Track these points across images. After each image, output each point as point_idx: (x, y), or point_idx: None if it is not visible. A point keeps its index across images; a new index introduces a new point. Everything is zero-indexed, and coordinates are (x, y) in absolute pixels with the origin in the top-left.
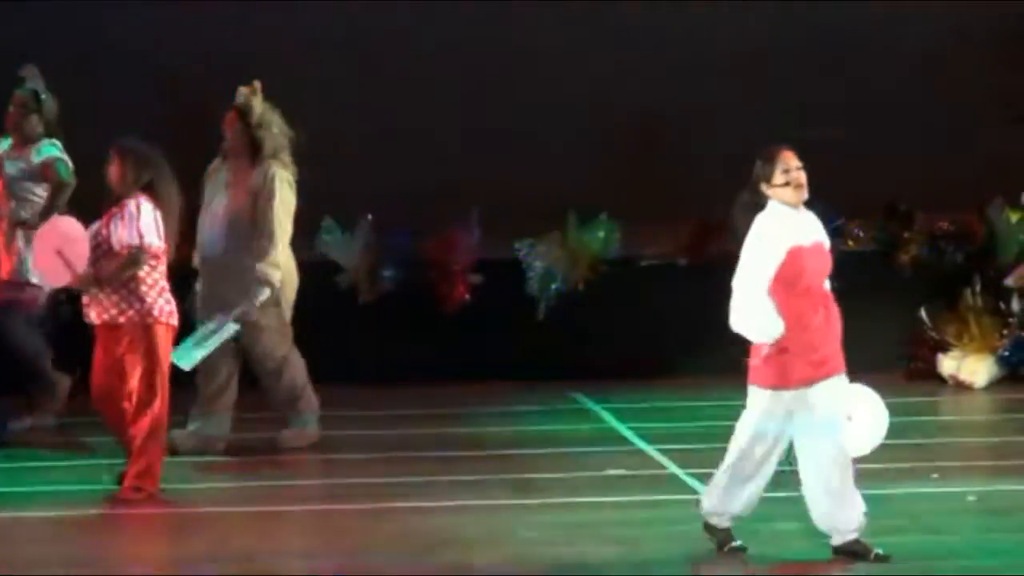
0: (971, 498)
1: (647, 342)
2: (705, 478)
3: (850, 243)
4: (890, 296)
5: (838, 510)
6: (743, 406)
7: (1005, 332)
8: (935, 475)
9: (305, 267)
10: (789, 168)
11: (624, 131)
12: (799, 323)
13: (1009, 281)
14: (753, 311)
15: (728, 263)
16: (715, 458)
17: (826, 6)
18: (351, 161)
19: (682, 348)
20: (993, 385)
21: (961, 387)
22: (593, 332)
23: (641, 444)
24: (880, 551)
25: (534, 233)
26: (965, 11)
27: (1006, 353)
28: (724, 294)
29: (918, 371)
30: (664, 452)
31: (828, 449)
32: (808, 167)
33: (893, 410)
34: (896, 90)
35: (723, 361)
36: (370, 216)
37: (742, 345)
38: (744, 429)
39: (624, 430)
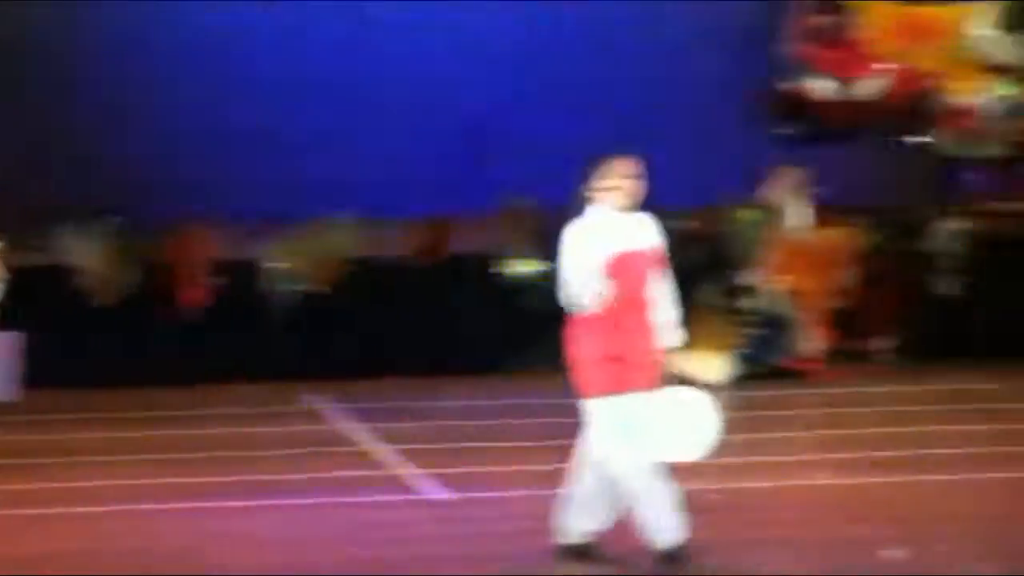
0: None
1: (385, 343)
2: (441, 478)
3: None
4: None
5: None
6: (480, 406)
7: (739, 330)
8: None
9: (40, 270)
10: (621, 175)
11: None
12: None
13: (745, 280)
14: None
15: (465, 263)
16: (449, 458)
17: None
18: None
19: (418, 348)
20: (730, 382)
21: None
22: (330, 333)
23: (375, 445)
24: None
25: (278, 233)
26: (705, 11)
27: (749, 350)
28: (459, 293)
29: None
30: (399, 453)
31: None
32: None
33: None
34: (636, 89)
35: (459, 361)
36: (116, 217)
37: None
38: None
39: (358, 431)
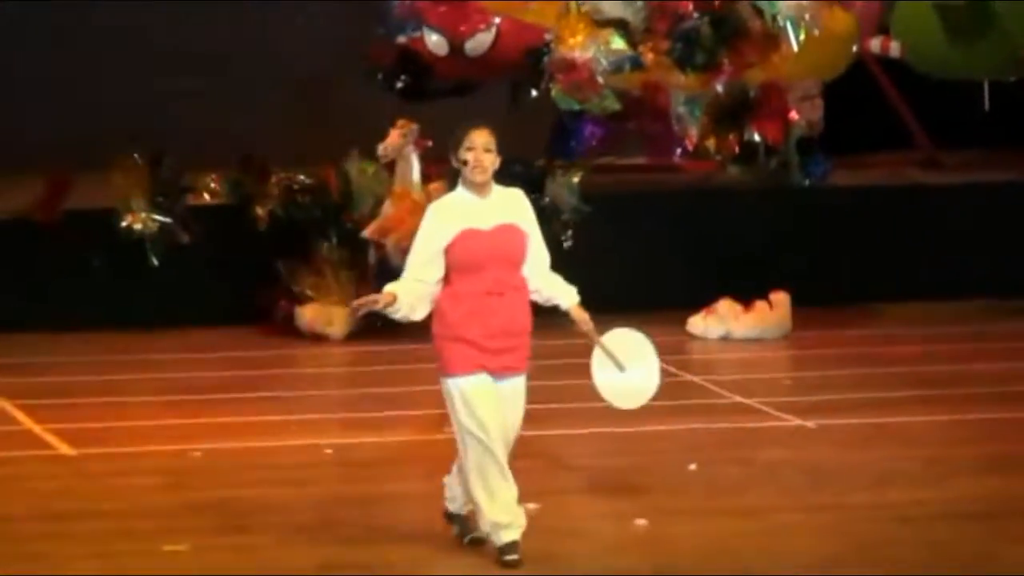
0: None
1: (2, 298)
2: (59, 433)
3: (205, 196)
4: (246, 250)
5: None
6: (97, 362)
7: (362, 284)
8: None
9: None
10: (474, 147)
11: None
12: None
13: (366, 233)
14: None
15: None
16: (69, 414)
17: None
18: None
19: (35, 304)
20: (351, 336)
21: (319, 339)
22: None
23: None
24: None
25: None
26: None
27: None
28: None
29: (277, 324)
30: (18, 407)
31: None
32: (162, 117)
33: (250, 364)
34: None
35: (78, 316)
36: None
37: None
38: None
39: None
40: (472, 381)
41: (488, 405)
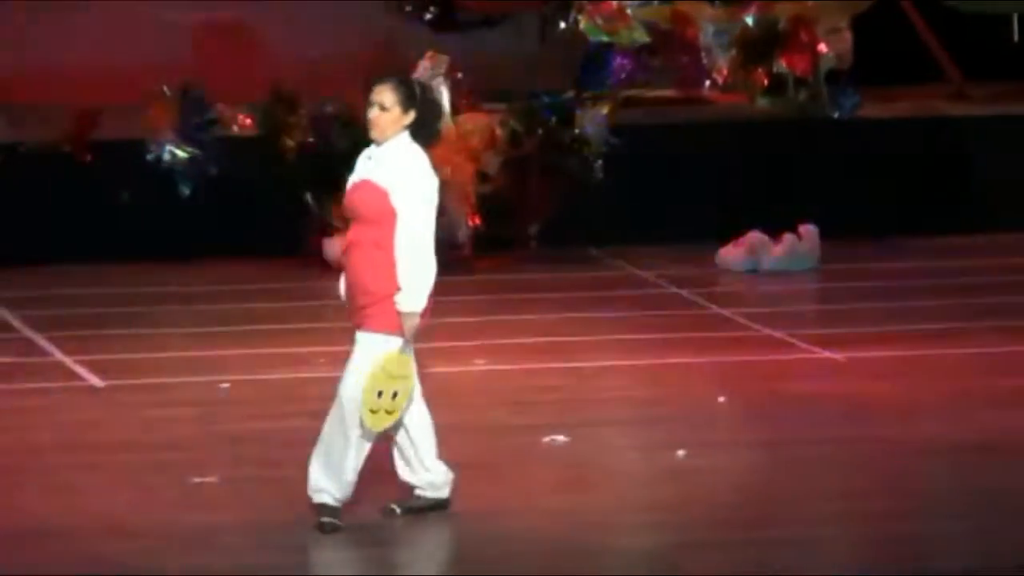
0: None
1: (33, 230)
2: (93, 365)
3: (235, 128)
4: (275, 181)
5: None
6: (127, 294)
7: None
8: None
9: None
10: (370, 103)
11: None
12: None
13: None
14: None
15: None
16: (99, 345)
17: None
18: None
19: (66, 235)
20: None
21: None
22: None
23: (26, 331)
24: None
25: None
26: None
27: None
28: (107, 180)
29: (306, 256)
30: (49, 340)
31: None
32: (194, 50)
33: (280, 296)
34: None
35: (108, 247)
36: None
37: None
38: None
39: (9, 317)
40: None
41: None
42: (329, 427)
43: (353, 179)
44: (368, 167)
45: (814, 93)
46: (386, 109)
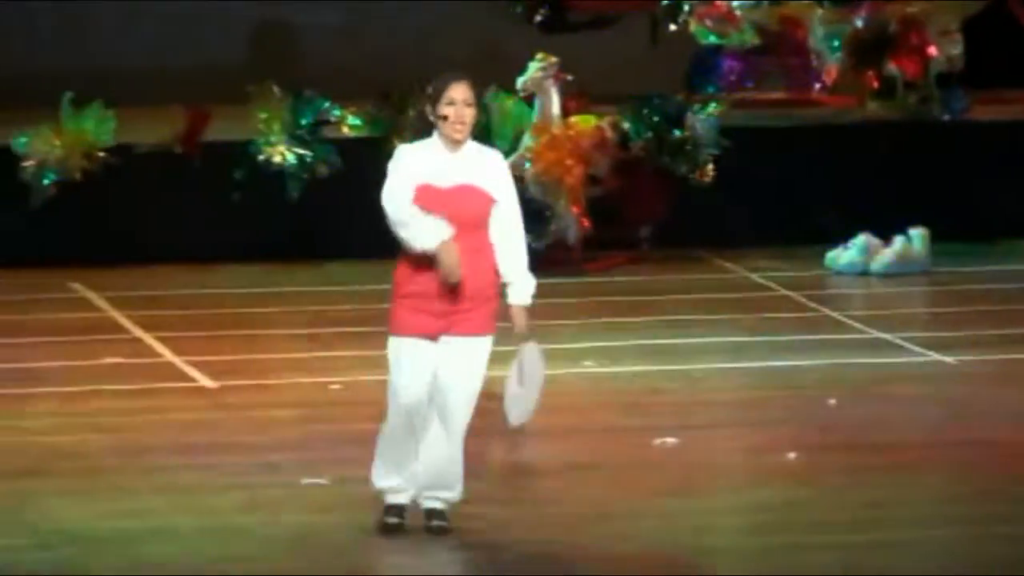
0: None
1: (145, 230)
2: (200, 365)
3: (344, 129)
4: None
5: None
6: (237, 294)
7: None
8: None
9: None
10: (454, 101)
11: None
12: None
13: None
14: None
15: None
16: (210, 346)
17: None
18: None
19: (177, 236)
20: None
21: None
22: (90, 221)
23: (137, 332)
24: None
25: (28, 121)
26: None
27: None
28: (217, 181)
29: None
30: (160, 340)
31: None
32: (300, 51)
33: (388, 297)
34: None
35: (219, 248)
36: None
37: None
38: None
39: (121, 318)
40: (405, 343)
41: (412, 371)
42: (434, 432)
43: (438, 182)
44: (457, 168)
45: (924, 96)
46: (471, 106)
